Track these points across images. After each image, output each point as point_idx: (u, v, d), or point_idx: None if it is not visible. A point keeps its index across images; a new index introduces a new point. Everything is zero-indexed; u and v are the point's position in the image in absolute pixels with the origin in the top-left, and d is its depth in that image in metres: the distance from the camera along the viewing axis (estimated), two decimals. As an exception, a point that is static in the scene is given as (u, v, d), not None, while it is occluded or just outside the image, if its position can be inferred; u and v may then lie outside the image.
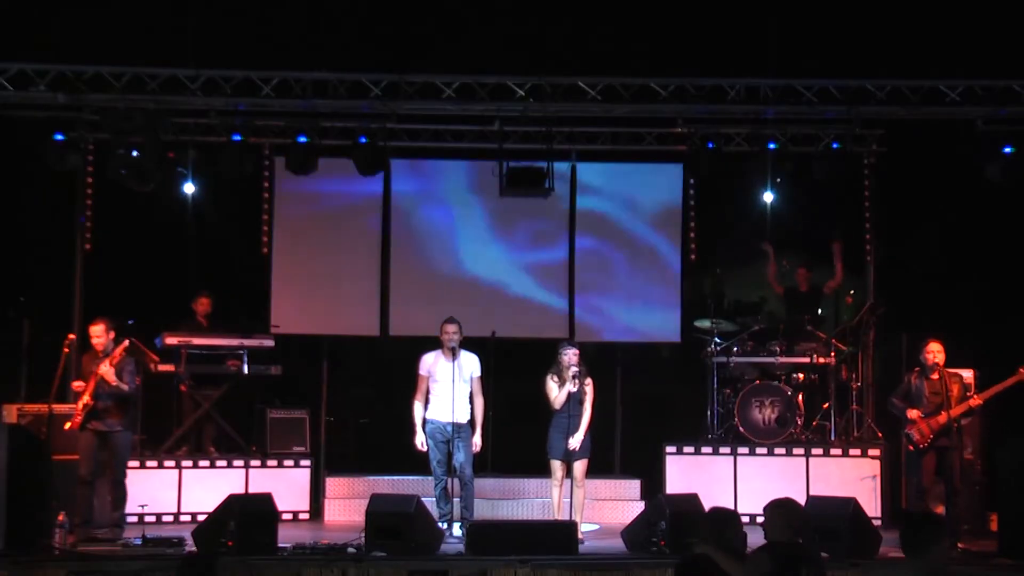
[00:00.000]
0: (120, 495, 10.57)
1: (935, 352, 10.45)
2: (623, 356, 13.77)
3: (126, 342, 10.61)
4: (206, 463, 12.12)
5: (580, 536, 10.07)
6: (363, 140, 12.06)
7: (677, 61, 11.97)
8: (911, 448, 10.46)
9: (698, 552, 6.09)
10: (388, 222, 13.59)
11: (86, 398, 10.38)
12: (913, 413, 10.34)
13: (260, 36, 12.30)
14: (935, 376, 10.44)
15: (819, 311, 13.19)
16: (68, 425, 10.45)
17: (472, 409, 10.79)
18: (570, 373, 10.46)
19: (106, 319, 10.61)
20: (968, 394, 10.53)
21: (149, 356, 12.10)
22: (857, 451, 12.05)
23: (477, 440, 10.78)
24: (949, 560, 9.37)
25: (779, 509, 6.48)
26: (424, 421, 10.76)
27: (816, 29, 12.38)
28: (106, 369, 10.35)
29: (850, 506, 9.93)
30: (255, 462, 12.16)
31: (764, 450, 12.22)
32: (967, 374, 11.16)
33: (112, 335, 10.57)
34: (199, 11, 12.04)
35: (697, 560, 5.99)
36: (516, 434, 11.91)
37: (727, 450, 12.25)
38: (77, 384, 10.50)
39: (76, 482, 10.40)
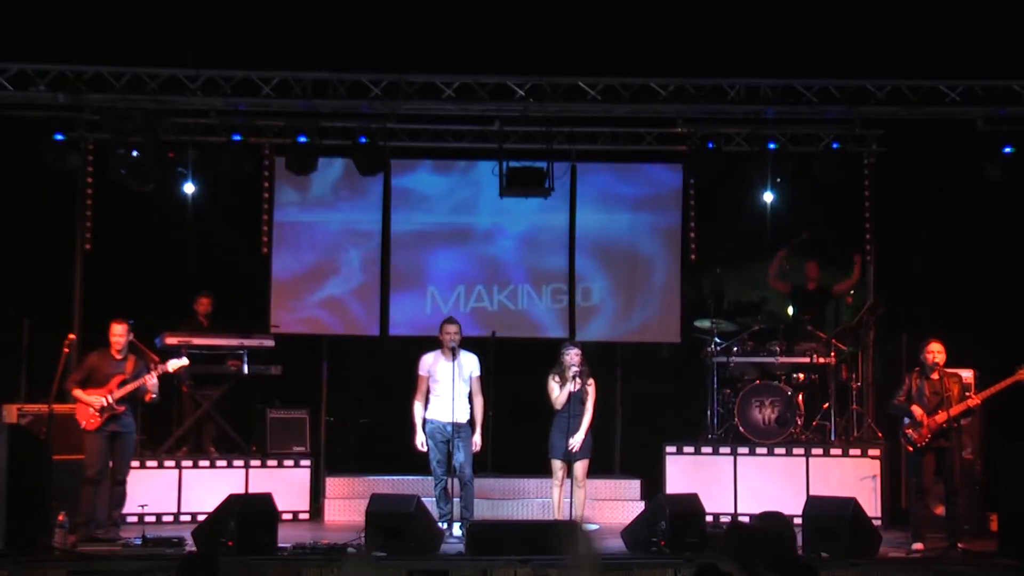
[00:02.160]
0: (122, 495, 10.58)
1: (935, 352, 10.44)
2: (623, 356, 13.77)
3: (186, 362, 10.68)
4: (206, 463, 12.12)
5: (580, 536, 10.08)
6: (363, 140, 12.05)
7: (677, 61, 11.96)
8: (910, 449, 10.45)
9: (722, 569, 6.03)
10: (388, 222, 13.59)
11: (109, 400, 10.34)
12: (918, 411, 10.32)
13: (260, 36, 12.30)
14: (935, 376, 10.43)
15: (823, 311, 13.19)
16: (84, 425, 10.41)
17: (472, 409, 10.80)
18: (571, 373, 10.46)
19: (128, 322, 10.63)
20: (967, 394, 10.51)
21: (149, 356, 12.08)
22: (857, 451, 12.04)
23: (477, 440, 10.79)
24: None
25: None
26: (424, 421, 10.77)
27: (816, 29, 12.37)
28: (154, 382, 10.39)
29: (850, 506, 9.94)
30: (255, 462, 12.16)
31: (764, 450, 12.22)
32: (967, 374, 11.15)
33: (131, 338, 10.61)
34: (199, 11, 12.06)
35: (716, 572, 5.96)
36: (516, 434, 11.92)
37: (727, 450, 12.25)
38: (89, 391, 10.42)
39: (81, 482, 10.37)
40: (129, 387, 10.38)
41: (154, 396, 10.51)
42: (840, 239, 13.43)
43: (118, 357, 10.53)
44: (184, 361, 10.73)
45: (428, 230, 13.66)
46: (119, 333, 10.52)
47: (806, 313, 12.92)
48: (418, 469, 11.27)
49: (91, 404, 10.34)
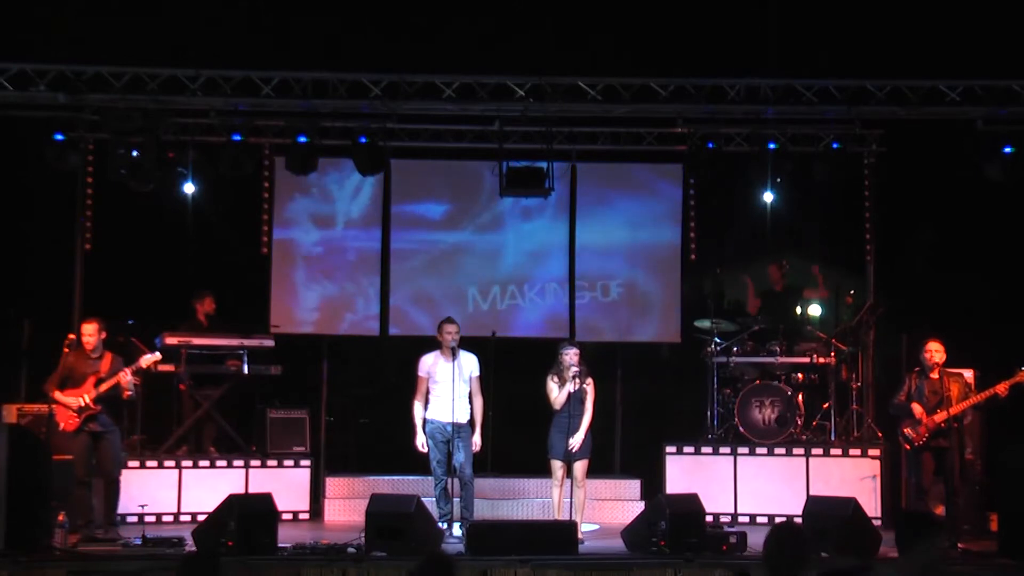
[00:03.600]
0: (115, 493, 10.55)
1: (934, 351, 10.45)
2: (623, 356, 13.77)
3: (158, 356, 10.65)
4: (206, 463, 12.12)
5: (580, 536, 10.08)
6: (363, 140, 12.05)
7: (677, 61, 11.96)
8: (907, 447, 10.47)
9: None
10: (388, 222, 13.59)
11: (86, 400, 10.34)
12: (918, 409, 10.33)
13: (260, 36, 12.30)
14: (934, 376, 10.44)
15: (798, 311, 13.17)
16: (63, 426, 10.42)
17: (472, 409, 10.79)
18: (570, 373, 10.45)
19: (99, 319, 10.60)
20: (968, 392, 10.51)
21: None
22: (857, 451, 12.04)
23: (477, 440, 10.78)
24: (944, 560, 9.36)
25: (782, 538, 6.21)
26: (424, 421, 10.76)
27: (816, 29, 12.38)
28: (128, 379, 10.36)
29: (850, 506, 9.93)
30: (255, 462, 12.15)
31: (764, 450, 12.21)
32: (967, 374, 11.16)
33: (103, 336, 10.58)
34: (199, 11, 12.06)
35: None
36: (516, 434, 11.91)
37: (727, 450, 12.25)
38: (66, 392, 10.41)
39: (74, 485, 10.37)
40: (105, 386, 10.37)
41: (131, 394, 10.47)
42: (819, 236, 13.49)
43: (93, 356, 10.52)
44: (156, 356, 10.69)
45: (428, 229, 13.66)
46: (89, 332, 10.50)
47: (781, 316, 12.89)
48: (418, 469, 11.27)
49: (68, 405, 10.34)
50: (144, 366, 10.59)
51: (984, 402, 10.44)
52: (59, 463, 10.38)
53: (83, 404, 10.35)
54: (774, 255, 13.30)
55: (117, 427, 10.69)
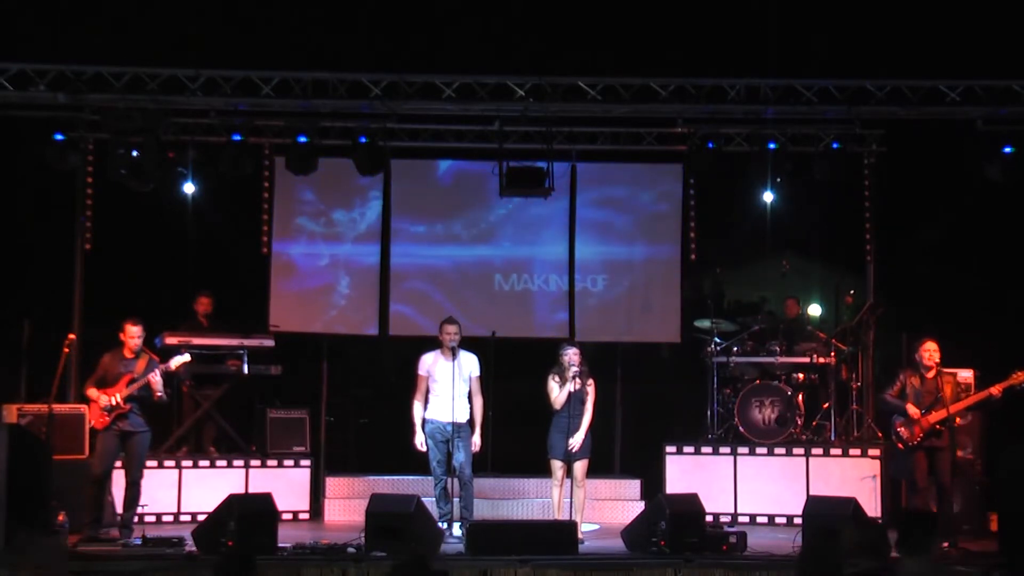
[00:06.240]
0: (134, 495, 10.52)
1: (930, 351, 10.45)
2: (623, 356, 13.77)
3: (188, 358, 10.64)
4: (206, 463, 12.12)
5: (580, 536, 10.08)
6: (363, 140, 12.06)
7: (677, 61, 11.96)
8: (900, 446, 10.48)
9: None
10: (388, 222, 13.60)
11: (116, 399, 10.32)
12: (913, 409, 10.33)
13: (260, 36, 12.30)
14: (929, 375, 10.44)
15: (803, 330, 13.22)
16: (93, 423, 10.43)
17: (471, 409, 10.79)
18: (571, 373, 10.45)
19: (142, 321, 10.60)
20: (962, 395, 10.51)
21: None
22: (857, 451, 12.04)
23: (476, 440, 10.78)
24: (944, 558, 9.37)
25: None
26: (424, 421, 10.76)
27: (816, 29, 12.38)
28: (158, 380, 10.35)
29: (850, 506, 9.93)
30: (255, 462, 12.16)
31: (764, 450, 12.22)
32: (967, 374, 11.16)
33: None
34: (198, 11, 12.06)
35: None
36: (516, 434, 11.91)
37: (727, 450, 12.25)
38: (101, 391, 10.39)
39: (85, 481, 10.36)
40: (135, 386, 10.37)
41: (161, 395, 10.48)
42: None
43: (129, 357, 10.52)
44: (186, 357, 10.70)
45: (428, 229, 13.66)
46: (135, 335, 10.50)
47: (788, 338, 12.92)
48: (418, 469, 11.27)
49: (99, 403, 10.34)
50: (174, 368, 10.58)
51: (979, 403, 10.44)
52: (59, 463, 10.38)
53: (113, 403, 10.34)
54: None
55: (149, 429, 10.64)
